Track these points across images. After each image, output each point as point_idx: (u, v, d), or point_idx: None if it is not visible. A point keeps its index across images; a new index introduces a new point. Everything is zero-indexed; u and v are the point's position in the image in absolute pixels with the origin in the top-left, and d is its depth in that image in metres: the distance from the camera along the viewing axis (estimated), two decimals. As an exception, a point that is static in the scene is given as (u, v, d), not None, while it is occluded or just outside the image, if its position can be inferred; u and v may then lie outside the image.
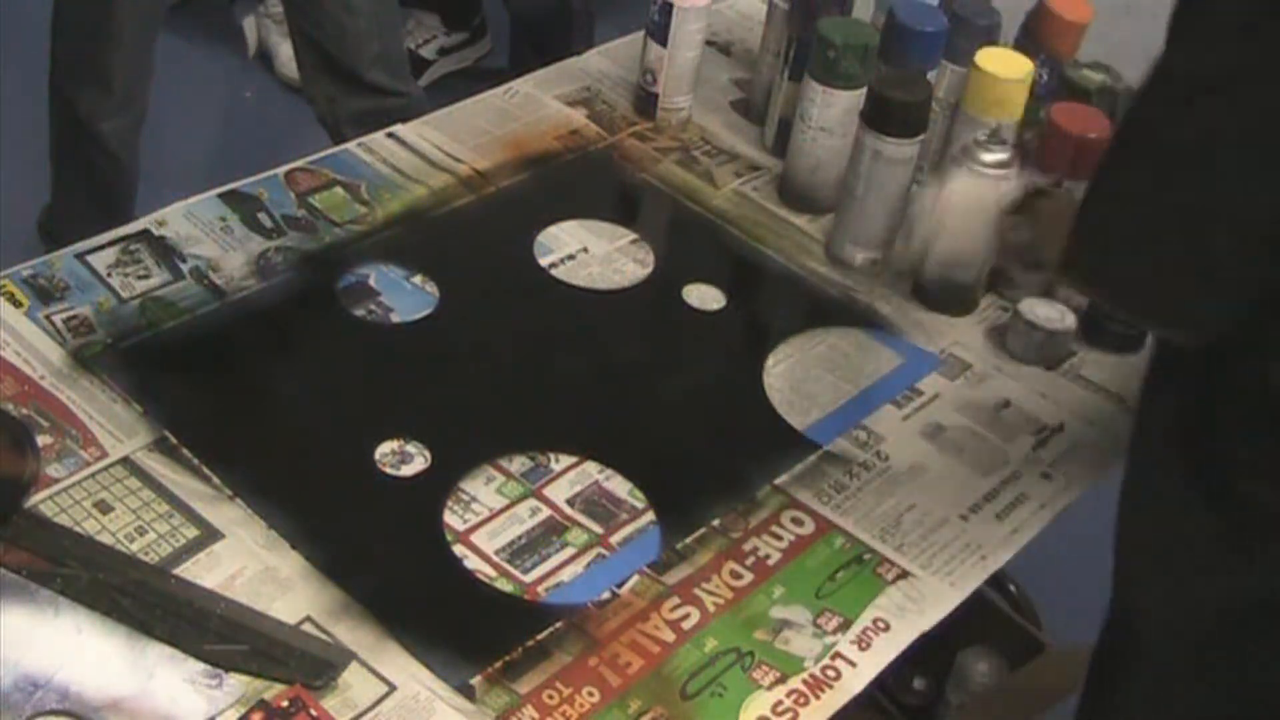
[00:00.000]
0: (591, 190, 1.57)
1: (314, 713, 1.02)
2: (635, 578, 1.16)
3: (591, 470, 1.24)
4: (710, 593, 1.16)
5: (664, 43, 1.60)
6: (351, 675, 1.05)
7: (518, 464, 1.24)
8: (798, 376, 1.37)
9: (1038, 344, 1.41)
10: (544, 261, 1.46)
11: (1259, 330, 0.96)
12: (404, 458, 1.22)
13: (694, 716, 1.07)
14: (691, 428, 1.32)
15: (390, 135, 1.58)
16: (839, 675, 1.11)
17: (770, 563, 1.19)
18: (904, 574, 1.19)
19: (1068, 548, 1.46)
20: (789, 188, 1.57)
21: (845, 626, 1.15)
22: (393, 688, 1.05)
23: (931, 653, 1.19)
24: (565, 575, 1.16)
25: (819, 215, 1.55)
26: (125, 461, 1.18)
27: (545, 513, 1.20)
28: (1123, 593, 1.15)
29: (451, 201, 1.51)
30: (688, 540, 1.20)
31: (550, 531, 1.19)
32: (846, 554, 1.21)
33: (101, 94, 2.19)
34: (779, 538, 1.21)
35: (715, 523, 1.21)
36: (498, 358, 1.35)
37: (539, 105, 1.66)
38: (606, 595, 1.14)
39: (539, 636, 1.10)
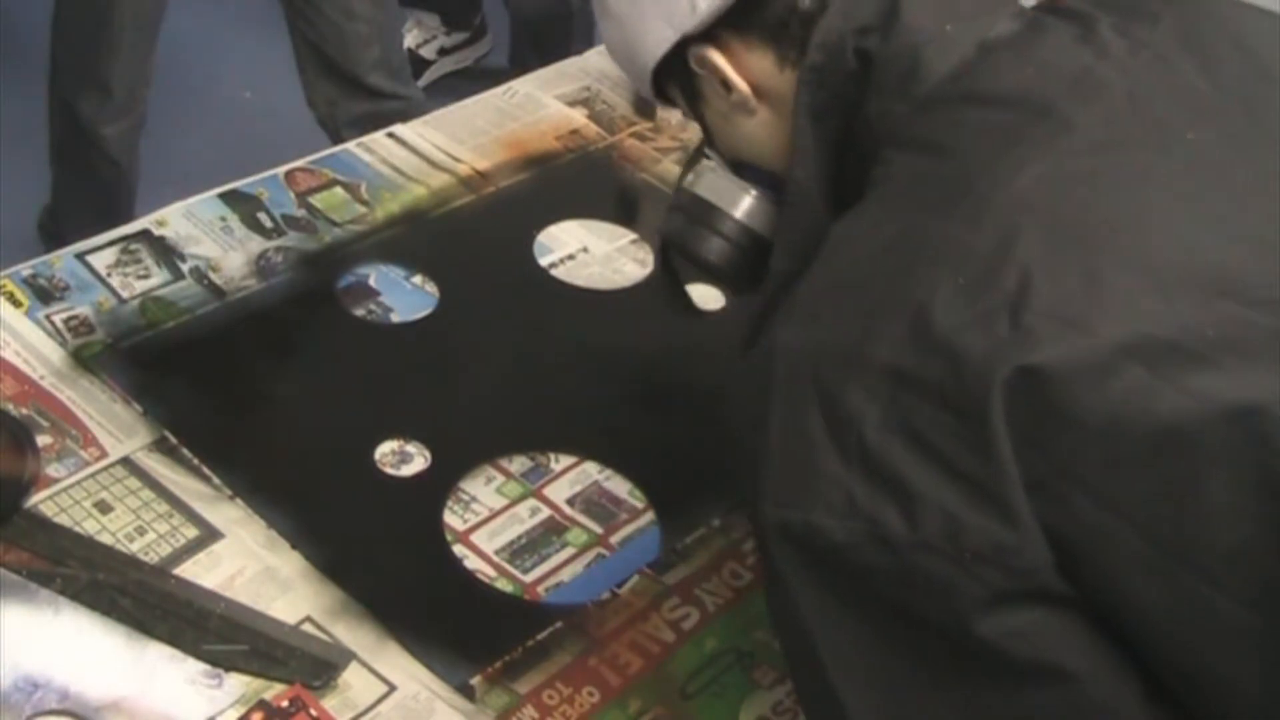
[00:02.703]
0: (591, 190, 1.57)
1: (314, 713, 1.02)
2: (635, 578, 1.16)
3: (591, 470, 1.24)
4: (710, 593, 1.16)
5: (664, 43, 1.59)
6: (351, 675, 1.05)
7: (518, 464, 1.24)
8: (798, 376, 1.37)
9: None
10: (544, 261, 1.46)
11: None
12: (404, 458, 1.22)
13: (694, 716, 1.07)
14: (691, 428, 1.32)
15: (390, 135, 1.58)
16: (839, 675, 1.11)
17: (770, 563, 1.19)
18: (904, 574, 1.19)
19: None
20: (789, 188, 1.56)
21: (845, 626, 1.15)
22: (393, 688, 1.05)
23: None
24: (565, 575, 1.16)
25: (819, 215, 1.55)
26: (125, 461, 1.18)
27: (545, 513, 1.20)
28: None
29: (451, 201, 1.51)
30: (688, 540, 1.20)
31: (550, 531, 1.19)
32: (846, 554, 1.20)
33: (101, 99, 2.20)
34: (779, 538, 1.21)
35: (715, 523, 1.21)
36: (498, 358, 1.35)
37: (539, 105, 1.66)
38: (606, 595, 1.14)
39: (539, 636, 1.10)
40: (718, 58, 1.00)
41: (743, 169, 1.07)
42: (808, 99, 0.95)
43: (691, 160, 1.13)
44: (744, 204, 1.07)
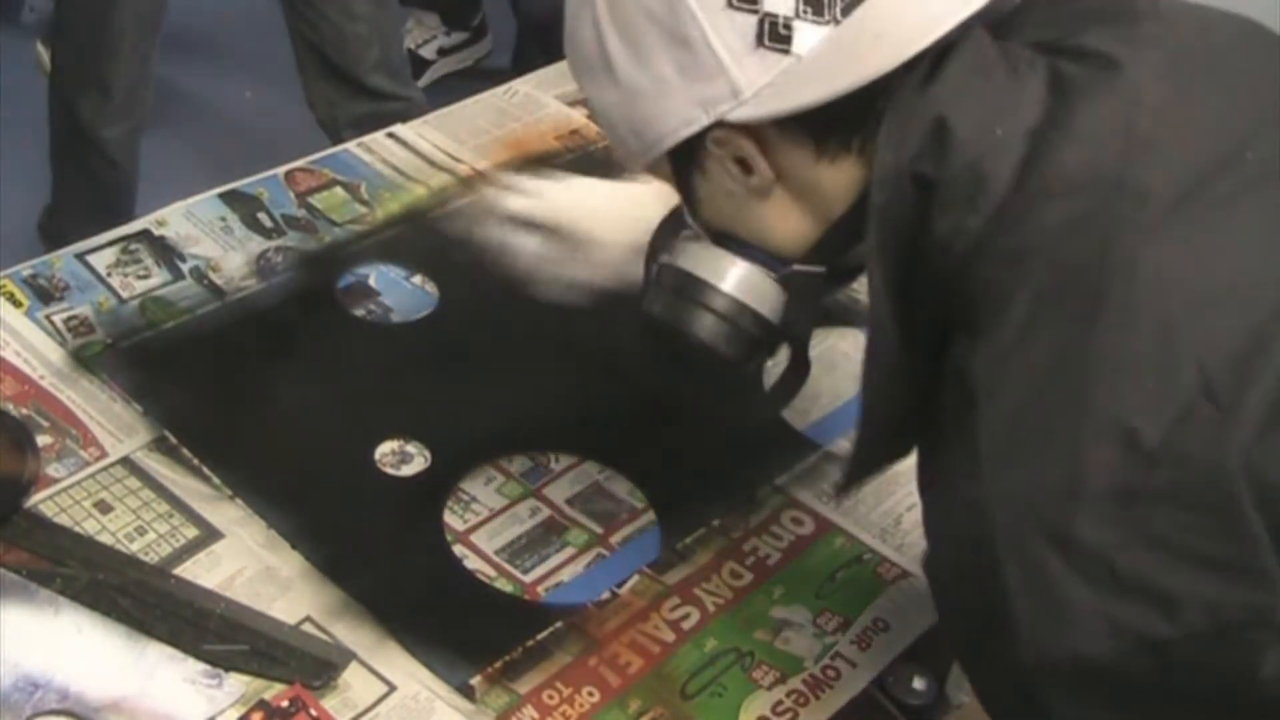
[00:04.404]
0: (591, 190, 1.57)
1: (314, 713, 1.02)
2: (635, 578, 1.16)
3: (591, 470, 1.24)
4: (710, 593, 1.16)
5: (664, 43, 1.59)
6: (351, 675, 1.05)
7: (518, 464, 1.24)
8: (798, 376, 1.36)
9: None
10: (544, 261, 1.45)
11: None
12: (404, 458, 1.22)
13: (694, 716, 1.07)
14: (691, 428, 1.32)
15: (390, 135, 1.58)
16: (839, 675, 1.11)
17: (770, 563, 1.19)
18: (904, 574, 1.19)
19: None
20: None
21: (845, 626, 1.15)
22: (393, 688, 1.05)
23: (931, 653, 1.19)
24: (565, 575, 1.16)
25: (819, 215, 1.54)
26: (125, 461, 1.18)
27: (545, 513, 1.20)
28: None
29: (451, 201, 1.51)
30: (688, 540, 1.20)
31: (550, 531, 1.19)
32: (846, 554, 1.21)
33: (102, 100, 2.20)
34: (779, 538, 1.21)
35: (715, 523, 1.21)
36: (498, 358, 1.35)
37: (539, 105, 1.66)
38: (606, 595, 1.14)
39: (539, 636, 1.10)
40: (747, 143, 0.92)
41: (725, 240, 1.00)
42: (877, 238, 0.91)
43: (662, 232, 1.07)
44: (735, 276, 1.00)
